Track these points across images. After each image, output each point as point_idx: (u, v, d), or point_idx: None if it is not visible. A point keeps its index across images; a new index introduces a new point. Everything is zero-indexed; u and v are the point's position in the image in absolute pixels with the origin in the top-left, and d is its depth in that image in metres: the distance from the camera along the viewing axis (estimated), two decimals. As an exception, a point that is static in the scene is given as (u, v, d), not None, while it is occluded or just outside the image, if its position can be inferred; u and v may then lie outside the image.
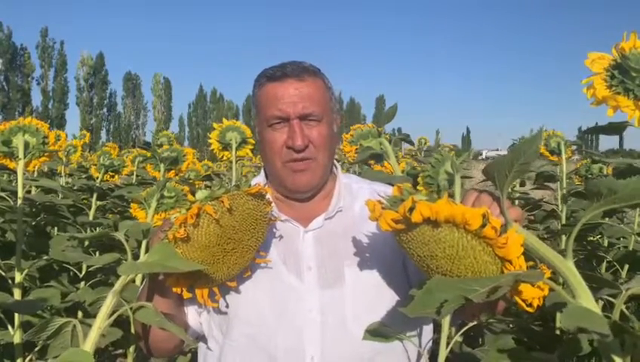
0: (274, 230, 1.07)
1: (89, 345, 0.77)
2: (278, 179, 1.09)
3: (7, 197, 1.63)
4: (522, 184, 3.41)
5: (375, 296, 1.03)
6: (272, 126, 1.06)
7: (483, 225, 0.69)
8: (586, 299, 0.62)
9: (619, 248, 2.38)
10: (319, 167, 1.07)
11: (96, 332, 0.79)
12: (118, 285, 0.82)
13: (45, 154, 1.61)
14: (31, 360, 1.47)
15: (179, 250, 0.87)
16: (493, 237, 0.69)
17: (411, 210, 0.73)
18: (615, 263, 1.97)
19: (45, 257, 1.74)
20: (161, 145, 2.66)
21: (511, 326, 1.78)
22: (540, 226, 2.70)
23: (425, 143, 6.11)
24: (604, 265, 2.16)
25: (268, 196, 0.95)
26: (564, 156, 2.22)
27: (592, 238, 2.44)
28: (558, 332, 1.82)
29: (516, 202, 2.96)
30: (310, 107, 1.04)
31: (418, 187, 0.96)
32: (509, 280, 0.60)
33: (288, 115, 1.04)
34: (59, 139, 1.74)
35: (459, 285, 0.59)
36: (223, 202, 0.87)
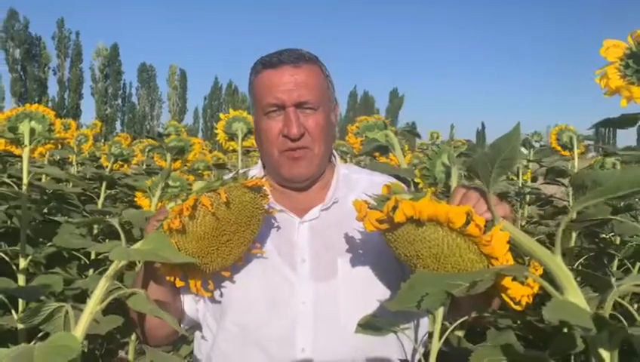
0: (269, 220, 1.06)
1: (80, 329, 0.77)
2: (274, 168, 1.08)
3: (12, 184, 1.65)
4: (534, 179, 3.36)
5: (369, 289, 1.02)
6: (268, 114, 1.04)
7: (467, 223, 0.69)
8: (573, 294, 0.60)
9: (631, 246, 2.33)
10: (315, 156, 1.05)
11: (87, 316, 0.79)
12: (110, 270, 0.81)
13: (51, 141, 1.62)
14: (34, 345, 1.49)
15: (173, 239, 0.86)
16: (478, 235, 0.69)
17: (395, 209, 0.72)
18: (626, 261, 1.92)
19: (50, 244, 1.75)
20: (169, 135, 2.67)
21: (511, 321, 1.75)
22: (552, 222, 2.66)
23: (437, 138, 6.05)
24: (616, 263, 2.11)
25: (265, 188, 0.94)
26: (576, 151, 2.17)
27: (604, 236, 2.39)
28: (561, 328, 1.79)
29: (527, 197, 2.91)
30: (306, 95, 1.02)
31: (416, 179, 0.95)
32: (491, 275, 0.60)
33: (284, 103, 1.02)
34: (68, 128, 1.75)
35: (442, 280, 0.58)
36: (219, 194, 0.86)
